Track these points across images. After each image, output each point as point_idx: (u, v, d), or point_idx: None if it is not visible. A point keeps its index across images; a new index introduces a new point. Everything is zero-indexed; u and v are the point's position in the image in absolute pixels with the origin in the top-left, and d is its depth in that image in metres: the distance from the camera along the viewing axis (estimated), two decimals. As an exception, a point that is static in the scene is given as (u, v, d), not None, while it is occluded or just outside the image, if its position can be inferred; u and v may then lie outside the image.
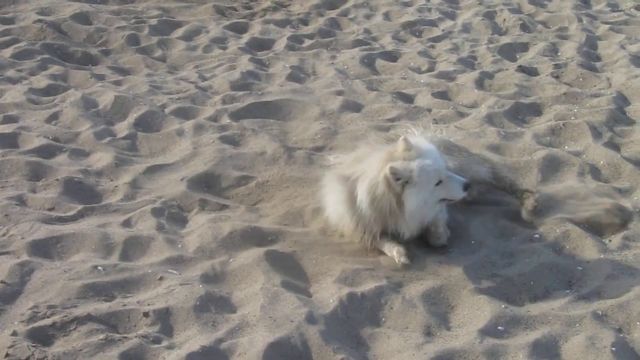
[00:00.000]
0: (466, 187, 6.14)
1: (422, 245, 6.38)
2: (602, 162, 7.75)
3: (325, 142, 8.17)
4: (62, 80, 9.46)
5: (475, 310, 5.69)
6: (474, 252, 6.35)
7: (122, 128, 8.37)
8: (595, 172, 7.61)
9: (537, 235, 6.55)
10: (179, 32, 11.26)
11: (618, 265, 6.18)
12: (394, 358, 5.25)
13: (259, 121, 8.61)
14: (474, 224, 6.67)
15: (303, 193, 7.16)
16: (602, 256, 6.28)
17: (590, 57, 10.69)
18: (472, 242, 6.47)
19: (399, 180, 5.92)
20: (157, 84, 9.48)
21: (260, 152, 7.86)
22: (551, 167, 7.64)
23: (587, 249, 6.39)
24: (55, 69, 9.70)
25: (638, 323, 5.57)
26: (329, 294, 5.77)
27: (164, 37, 11.01)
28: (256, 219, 6.81)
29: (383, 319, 5.64)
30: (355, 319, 5.60)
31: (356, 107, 8.95)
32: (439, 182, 6.02)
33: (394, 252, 6.16)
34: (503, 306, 5.70)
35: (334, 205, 6.44)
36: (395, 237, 6.27)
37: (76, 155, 7.80)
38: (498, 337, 5.43)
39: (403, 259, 6.10)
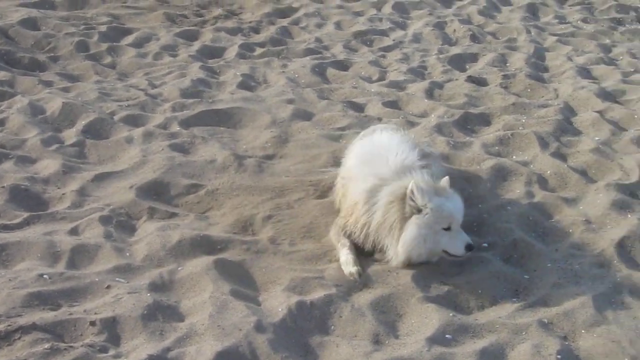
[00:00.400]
0: (469, 247, 6.00)
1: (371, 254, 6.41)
2: (549, 172, 7.85)
3: (275, 151, 8.17)
4: (8, 86, 9.32)
5: (423, 319, 5.72)
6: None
7: (70, 135, 8.28)
8: (542, 181, 7.70)
9: (485, 245, 6.60)
10: (129, 39, 11.17)
11: (564, 274, 6.26)
12: (342, 366, 5.26)
13: (209, 129, 8.57)
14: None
15: (253, 201, 7.14)
16: (548, 265, 6.36)
17: (538, 68, 10.82)
18: (421, 250, 6.50)
19: (413, 203, 5.89)
20: (106, 91, 9.40)
21: (210, 160, 7.83)
22: (499, 177, 7.72)
23: (534, 257, 6.46)
24: (1, 74, 9.55)
25: (583, 331, 5.65)
26: (278, 303, 5.76)
27: (114, 44, 10.91)
28: (205, 227, 6.78)
29: (332, 327, 5.65)
30: (304, 328, 5.60)
31: (307, 116, 8.95)
32: (448, 228, 5.95)
33: (347, 262, 6.14)
34: (451, 314, 5.74)
35: (362, 184, 6.34)
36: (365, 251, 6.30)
37: (22, 162, 7.69)
38: (446, 345, 5.47)
39: (354, 273, 6.07)
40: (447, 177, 6.19)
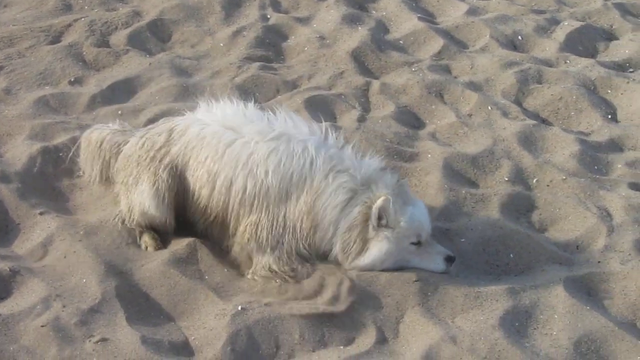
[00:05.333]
0: (449, 260, 4.81)
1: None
2: None
3: (-2, 0, 7.75)
4: None
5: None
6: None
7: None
8: (275, 4, 7.81)
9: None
10: None
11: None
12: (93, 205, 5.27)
13: None
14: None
15: (-20, 54, 6.80)
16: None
17: None
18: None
19: (382, 221, 4.66)
20: None
21: None
22: (233, 4, 7.73)
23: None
24: None
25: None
26: (20, 152, 5.60)
27: None
28: None
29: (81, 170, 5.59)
30: (51, 173, 5.49)
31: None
32: (417, 243, 4.76)
33: None
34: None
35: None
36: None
37: None
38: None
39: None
40: (404, 181, 5.00)
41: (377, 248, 4.67)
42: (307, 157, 4.74)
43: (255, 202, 4.74)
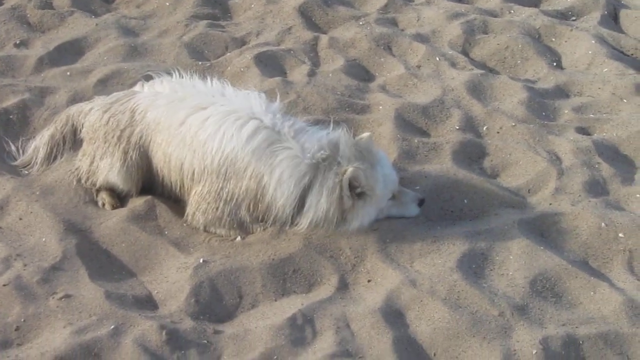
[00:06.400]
0: (421, 203, 4.92)
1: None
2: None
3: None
4: None
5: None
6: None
7: None
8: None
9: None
10: None
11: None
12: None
13: None
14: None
15: None
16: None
17: None
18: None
19: (357, 189, 4.60)
20: None
21: None
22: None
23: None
24: None
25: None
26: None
27: None
28: None
29: (33, 128, 5.53)
30: (1, 136, 5.45)
31: None
32: (392, 197, 4.80)
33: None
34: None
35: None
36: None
37: None
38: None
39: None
40: (368, 134, 4.80)
41: (359, 216, 4.64)
42: (254, 133, 4.65)
43: (203, 176, 4.72)
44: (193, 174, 4.74)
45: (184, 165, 4.75)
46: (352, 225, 4.65)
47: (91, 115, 5.04)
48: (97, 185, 4.98)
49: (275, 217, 4.68)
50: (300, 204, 4.64)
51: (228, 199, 4.69)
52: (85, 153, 5.02)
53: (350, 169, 4.51)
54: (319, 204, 4.59)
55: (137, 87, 5.13)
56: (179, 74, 5.05)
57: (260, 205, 4.67)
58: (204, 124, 4.71)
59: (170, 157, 4.79)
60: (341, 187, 4.55)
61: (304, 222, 4.65)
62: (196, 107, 4.77)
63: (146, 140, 4.86)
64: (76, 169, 5.03)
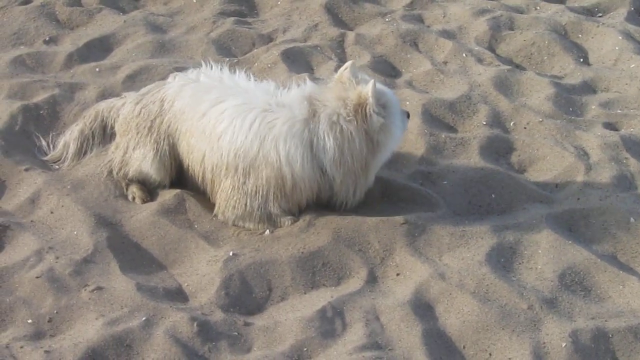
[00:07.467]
0: (408, 116, 4.98)
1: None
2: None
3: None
4: None
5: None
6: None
7: None
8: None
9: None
10: None
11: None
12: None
13: None
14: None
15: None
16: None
17: None
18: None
19: (380, 101, 4.60)
20: None
21: None
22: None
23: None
24: None
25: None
26: (1, 110, 5.59)
27: None
28: None
29: (63, 123, 5.57)
30: (32, 130, 5.49)
31: None
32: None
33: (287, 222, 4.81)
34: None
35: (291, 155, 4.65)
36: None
37: None
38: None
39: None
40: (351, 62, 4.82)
41: (391, 132, 4.66)
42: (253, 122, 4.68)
43: (222, 171, 4.74)
44: (213, 167, 4.77)
45: (204, 158, 4.80)
46: (391, 146, 4.72)
47: (124, 108, 5.09)
48: (130, 176, 5.01)
49: (308, 196, 4.75)
50: (317, 164, 4.65)
51: (253, 193, 4.72)
52: (118, 145, 5.06)
53: (368, 84, 4.53)
54: (339, 148, 4.58)
55: (169, 79, 5.16)
56: (210, 65, 5.07)
57: (286, 190, 4.68)
58: (220, 116, 4.75)
59: (193, 148, 4.83)
60: (367, 102, 4.52)
61: (336, 175, 4.68)
62: (216, 100, 4.81)
63: (173, 129, 4.90)
64: (109, 161, 5.07)
